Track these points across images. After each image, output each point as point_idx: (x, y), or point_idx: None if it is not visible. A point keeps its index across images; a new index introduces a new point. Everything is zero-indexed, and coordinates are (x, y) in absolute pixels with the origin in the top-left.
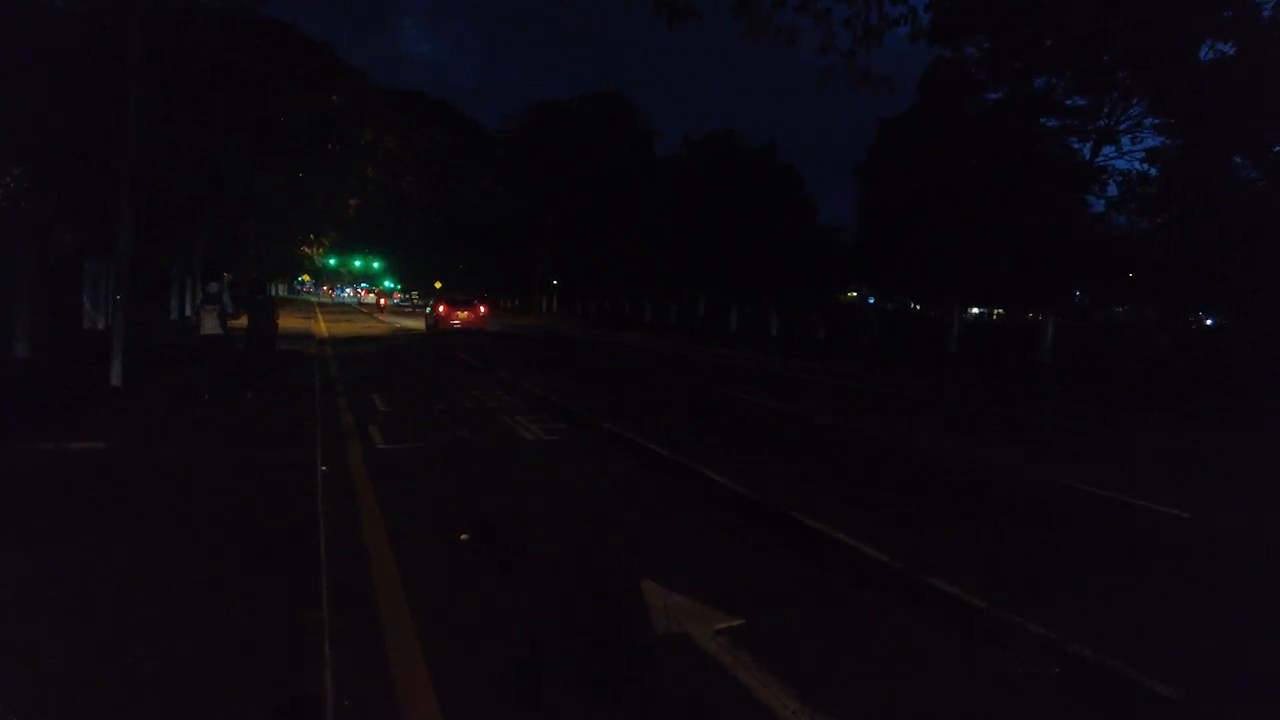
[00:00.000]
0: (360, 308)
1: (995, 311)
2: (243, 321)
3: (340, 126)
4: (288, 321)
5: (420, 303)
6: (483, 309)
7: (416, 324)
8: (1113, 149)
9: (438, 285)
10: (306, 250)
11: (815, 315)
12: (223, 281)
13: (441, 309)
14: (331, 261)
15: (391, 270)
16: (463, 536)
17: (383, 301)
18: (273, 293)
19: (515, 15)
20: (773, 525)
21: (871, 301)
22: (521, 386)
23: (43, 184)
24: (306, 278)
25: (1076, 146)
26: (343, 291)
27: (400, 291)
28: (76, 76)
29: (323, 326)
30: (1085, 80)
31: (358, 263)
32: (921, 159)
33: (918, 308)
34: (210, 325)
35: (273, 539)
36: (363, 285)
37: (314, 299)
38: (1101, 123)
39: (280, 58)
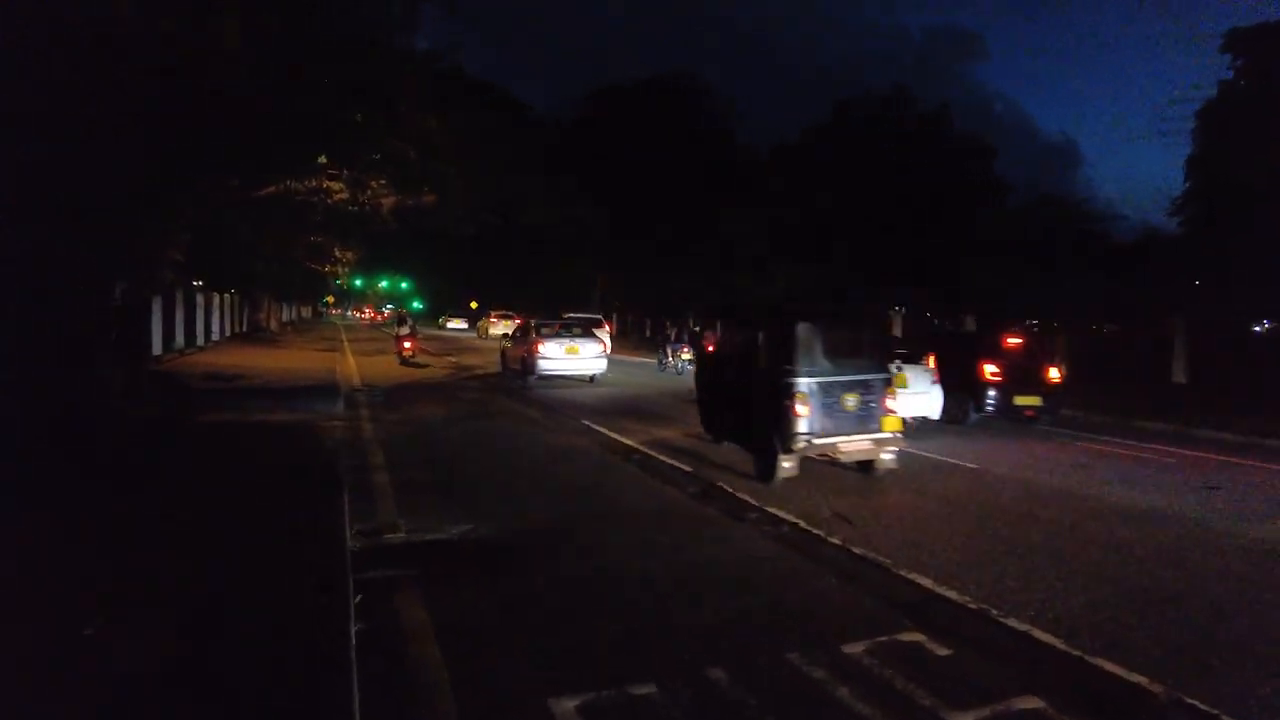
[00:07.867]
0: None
1: None
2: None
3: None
4: (300, 360)
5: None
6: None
7: (478, 360)
8: None
9: (474, 305)
10: (330, 269)
11: None
12: None
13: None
14: (358, 282)
15: (420, 290)
16: None
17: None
18: (291, 317)
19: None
20: None
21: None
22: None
23: None
24: (331, 299)
25: None
26: (348, 313)
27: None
28: None
29: (351, 364)
30: None
31: (384, 283)
32: None
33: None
34: None
35: None
36: (388, 307)
37: (339, 321)
38: None
39: None
